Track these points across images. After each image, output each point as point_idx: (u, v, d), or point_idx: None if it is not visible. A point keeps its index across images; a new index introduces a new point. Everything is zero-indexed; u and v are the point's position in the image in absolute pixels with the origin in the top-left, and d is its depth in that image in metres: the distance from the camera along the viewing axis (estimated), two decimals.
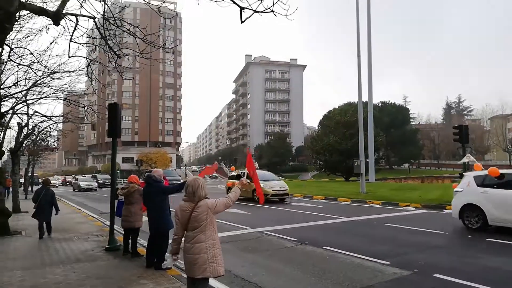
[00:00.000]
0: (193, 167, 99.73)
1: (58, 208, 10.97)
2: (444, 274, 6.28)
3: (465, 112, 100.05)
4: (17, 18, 5.03)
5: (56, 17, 4.96)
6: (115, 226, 8.72)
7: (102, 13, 6.56)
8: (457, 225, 11.90)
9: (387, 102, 76.12)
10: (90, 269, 6.84)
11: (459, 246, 8.72)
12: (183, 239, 3.96)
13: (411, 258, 7.50)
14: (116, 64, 7.66)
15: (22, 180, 31.35)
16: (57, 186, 54.57)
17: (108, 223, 10.04)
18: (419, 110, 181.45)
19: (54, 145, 28.30)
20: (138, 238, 7.94)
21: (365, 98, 34.92)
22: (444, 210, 15.63)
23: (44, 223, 10.53)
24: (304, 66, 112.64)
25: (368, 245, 8.91)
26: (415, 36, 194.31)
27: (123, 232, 8.11)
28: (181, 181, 7.17)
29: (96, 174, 56.00)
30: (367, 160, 32.95)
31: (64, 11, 5.29)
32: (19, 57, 10.63)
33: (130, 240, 7.83)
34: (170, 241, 6.78)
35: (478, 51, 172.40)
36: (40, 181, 49.19)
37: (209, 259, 3.72)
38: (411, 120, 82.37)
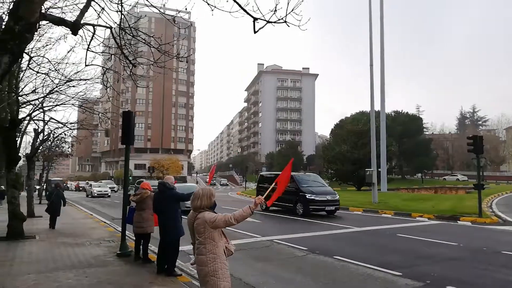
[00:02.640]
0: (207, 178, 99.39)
1: (65, 203, 14.52)
2: (457, 286, 6.19)
3: (480, 122, 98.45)
4: (37, 28, 5.20)
5: (75, 27, 5.10)
6: (127, 232, 8.81)
7: (118, 23, 6.72)
8: (471, 237, 11.71)
9: (400, 111, 75.33)
10: (102, 274, 6.91)
11: (473, 258, 8.57)
12: None
13: (423, 269, 7.40)
14: (131, 73, 7.80)
15: (37, 186, 31.85)
16: (108, 196, 39.41)
17: (120, 228, 10.15)
18: (432, 119, 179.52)
19: (68, 151, 28.73)
20: (149, 244, 8.00)
21: (377, 107, 34.73)
22: (458, 221, 15.38)
23: (54, 217, 13.66)
24: (316, 75, 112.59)
25: (379, 255, 8.82)
26: (427, 42, 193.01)
27: (134, 238, 8.18)
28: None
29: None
30: (379, 169, 32.61)
31: (82, 21, 5.44)
32: (38, 65, 10.90)
33: (141, 246, 7.90)
34: (181, 248, 6.86)
35: (494, 59, 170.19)
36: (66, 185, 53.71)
37: (209, 272, 3.67)
38: (425, 129, 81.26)
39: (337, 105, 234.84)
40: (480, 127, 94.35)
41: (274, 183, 4.40)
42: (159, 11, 6.62)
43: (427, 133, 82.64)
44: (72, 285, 6.20)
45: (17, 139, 15.00)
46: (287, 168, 4.38)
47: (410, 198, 26.93)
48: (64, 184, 64.68)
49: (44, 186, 34.57)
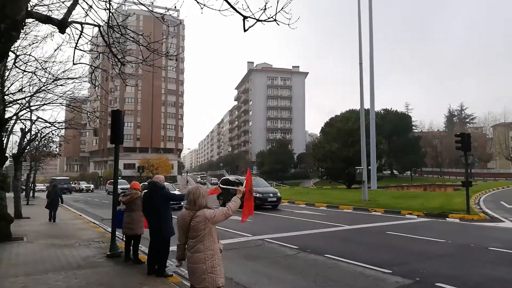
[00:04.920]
0: (198, 178, 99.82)
1: (62, 201, 17.39)
2: (446, 283, 6.25)
3: (468, 120, 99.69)
4: (23, 26, 5.09)
5: (62, 25, 5.02)
6: (117, 233, 8.72)
7: (106, 21, 6.64)
8: (459, 233, 11.86)
9: (389, 109, 76.06)
10: (91, 275, 6.83)
11: (462, 255, 8.68)
12: (186, 246, 3.96)
13: (413, 266, 7.47)
14: (120, 71, 7.72)
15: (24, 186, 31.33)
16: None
17: (109, 229, 10.05)
18: (421, 117, 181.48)
19: (56, 151, 28.34)
20: (139, 245, 7.93)
21: (367, 105, 34.95)
22: (447, 218, 15.57)
23: (53, 212, 15.83)
24: (306, 73, 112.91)
25: (370, 253, 8.89)
26: (415, 41, 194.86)
27: (124, 239, 8.10)
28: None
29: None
30: (369, 167, 32.82)
31: (69, 19, 5.35)
32: (24, 63, 10.73)
33: (131, 247, 7.82)
34: (171, 248, 6.81)
35: (481, 57, 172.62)
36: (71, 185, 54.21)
37: (207, 269, 3.69)
38: (414, 127, 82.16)
39: (327, 104, 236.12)
40: (468, 124, 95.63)
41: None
42: (148, 8, 6.56)
43: (416, 131, 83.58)
44: (61, 287, 6.11)
45: (3, 139, 14.73)
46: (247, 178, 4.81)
47: (400, 196, 27.21)
48: (73, 184, 59.88)
49: (32, 187, 34.07)
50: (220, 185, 22.90)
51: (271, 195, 20.19)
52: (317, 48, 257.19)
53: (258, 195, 18.99)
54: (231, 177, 24.39)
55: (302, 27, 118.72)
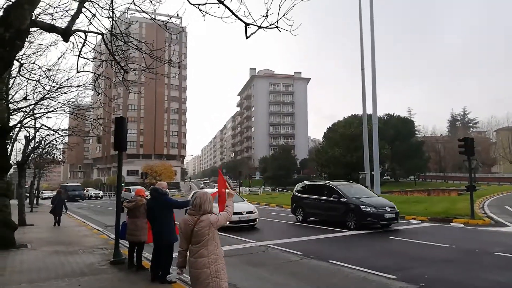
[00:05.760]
0: (201, 184, 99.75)
1: (67, 208, 18.96)
2: None
3: (471, 124, 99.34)
4: (27, 35, 5.15)
5: (66, 33, 5.08)
6: (120, 240, 8.72)
7: (109, 29, 6.71)
8: (464, 238, 11.80)
9: (392, 114, 75.85)
10: (95, 282, 6.83)
11: (466, 260, 8.62)
12: (188, 252, 3.96)
13: (417, 272, 7.43)
14: (123, 78, 7.78)
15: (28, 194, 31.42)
16: None
17: (113, 236, 10.05)
18: (424, 122, 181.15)
19: (60, 158, 28.46)
20: (143, 252, 7.92)
21: (369, 110, 34.90)
22: (451, 223, 15.47)
23: (57, 217, 16.94)
24: (308, 79, 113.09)
25: (374, 259, 8.84)
26: (415, 41, 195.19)
27: (128, 246, 8.10)
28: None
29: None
30: (372, 172, 32.79)
31: (73, 28, 5.42)
32: (29, 72, 10.84)
33: (135, 254, 7.82)
34: (175, 254, 6.81)
35: (481, 57, 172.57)
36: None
37: (211, 274, 3.69)
38: (416, 132, 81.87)
39: (330, 109, 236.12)
40: (471, 129, 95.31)
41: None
42: (151, 16, 6.63)
43: (419, 135, 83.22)
44: None
45: (7, 146, 14.82)
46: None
47: (403, 201, 27.02)
48: (86, 191, 57.04)
49: (36, 194, 34.14)
50: (297, 194, 17.96)
51: (388, 209, 14.19)
52: (318, 48, 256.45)
53: (370, 209, 13.80)
54: (312, 182, 19.18)
55: (303, 27, 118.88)
